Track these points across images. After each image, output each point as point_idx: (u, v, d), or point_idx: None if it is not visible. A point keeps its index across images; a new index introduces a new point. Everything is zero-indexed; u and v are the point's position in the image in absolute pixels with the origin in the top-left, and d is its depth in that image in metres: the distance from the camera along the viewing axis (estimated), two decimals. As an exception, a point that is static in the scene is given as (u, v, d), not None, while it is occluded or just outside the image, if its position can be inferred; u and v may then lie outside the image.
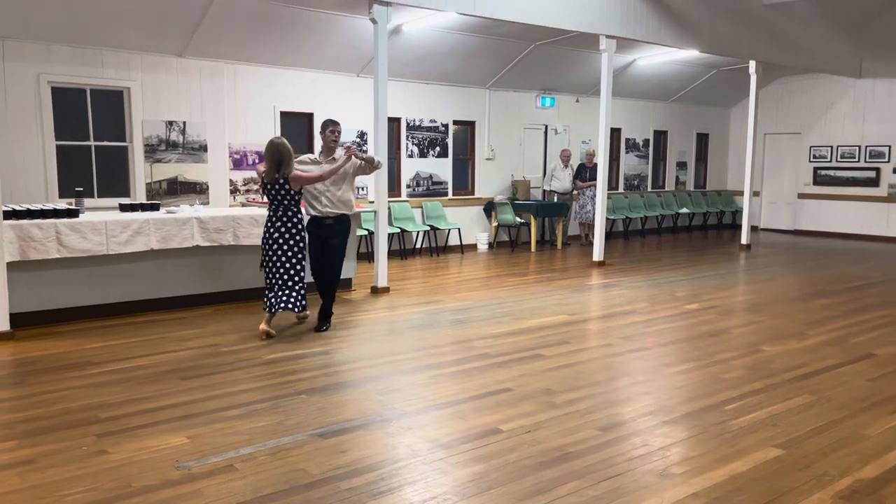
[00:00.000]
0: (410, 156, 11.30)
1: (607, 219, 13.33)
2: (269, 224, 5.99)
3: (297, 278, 6.00)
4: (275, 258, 5.95)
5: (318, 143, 10.01)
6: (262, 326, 6.02)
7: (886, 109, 14.13)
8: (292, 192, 5.93)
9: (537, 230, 12.43)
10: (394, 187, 11.06)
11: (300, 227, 6.00)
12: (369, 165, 6.44)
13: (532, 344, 5.95)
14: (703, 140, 16.23)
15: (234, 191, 9.51)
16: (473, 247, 12.08)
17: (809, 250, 12.80)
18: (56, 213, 6.37)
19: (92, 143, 8.50)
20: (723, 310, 7.48)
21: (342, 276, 6.86)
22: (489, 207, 12.21)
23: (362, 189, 10.40)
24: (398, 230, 10.81)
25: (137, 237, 6.58)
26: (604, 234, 10.65)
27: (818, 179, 15.11)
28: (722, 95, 15.61)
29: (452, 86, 11.54)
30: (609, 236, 13.64)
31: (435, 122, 11.50)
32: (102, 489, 3.27)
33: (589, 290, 8.61)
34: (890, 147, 14.11)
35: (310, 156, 6.60)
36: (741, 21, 11.63)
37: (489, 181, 12.36)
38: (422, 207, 11.41)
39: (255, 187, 9.66)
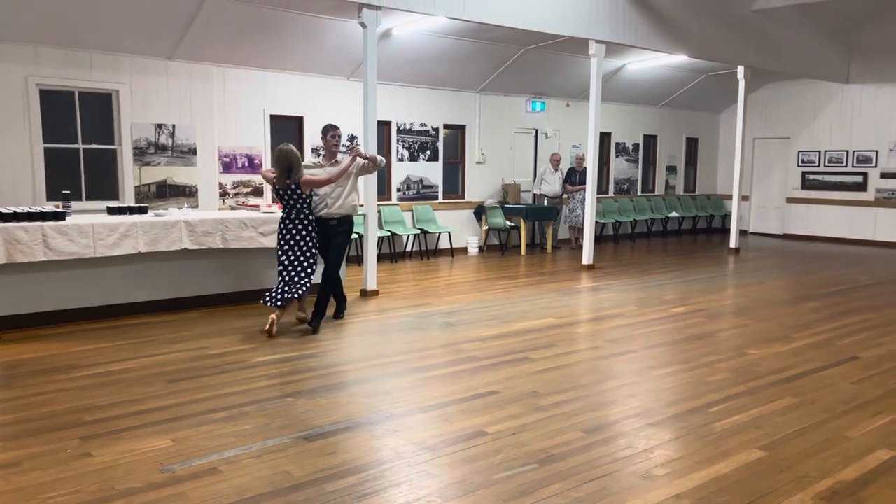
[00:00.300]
0: (401, 159, 11.31)
1: (597, 222, 13.40)
2: (283, 226, 6.34)
3: (307, 272, 6.32)
4: (291, 256, 6.30)
5: (308, 146, 10.10)
6: (299, 314, 6.58)
7: (873, 115, 14.26)
8: (304, 196, 6.27)
9: (527, 234, 12.46)
10: (384, 190, 11.08)
11: (313, 226, 6.37)
12: (373, 164, 6.73)
13: (520, 347, 5.97)
14: (692, 144, 16.33)
15: (224, 194, 9.50)
16: (464, 250, 12.10)
17: (797, 254, 12.88)
18: (43, 216, 6.35)
19: (80, 145, 8.48)
20: (710, 313, 7.52)
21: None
22: (479, 211, 12.24)
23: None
24: (388, 233, 10.83)
25: (125, 240, 6.57)
26: (593, 237, 10.70)
27: (806, 184, 15.23)
28: (711, 100, 15.72)
29: (443, 89, 11.58)
30: (599, 240, 13.70)
31: (425, 125, 11.53)
32: (86, 491, 3.26)
33: (578, 294, 8.65)
34: (877, 152, 14.24)
35: (313, 160, 6.84)
36: (729, 26, 11.73)
37: (479, 185, 12.39)
38: (412, 211, 11.43)
39: (245, 190, 9.66)
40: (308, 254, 6.33)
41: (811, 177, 15.14)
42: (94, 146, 8.59)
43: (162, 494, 3.24)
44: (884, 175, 14.17)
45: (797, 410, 4.48)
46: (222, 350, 5.72)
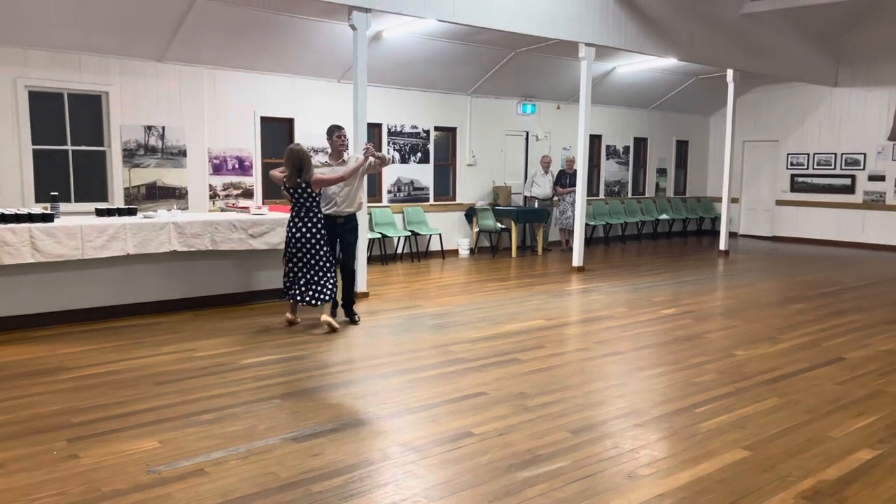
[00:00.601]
0: (392, 161, 11.32)
1: (588, 225, 13.45)
2: (292, 225, 6.48)
3: (326, 270, 6.50)
4: (301, 255, 6.45)
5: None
6: (288, 315, 6.67)
7: (862, 118, 14.37)
8: (315, 195, 6.43)
9: (518, 236, 12.49)
10: (375, 192, 11.08)
11: (322, 224, 6.51)
12: (381, 162, 6.93)
13: (509, 348, 5.99)
14: (682, 147, 16.40)
15: (214, 196, 9.49)
16: (454, 252, 12.11)
17: (786, 256, 12.96)
18: (31, 218, 6.32)
19: (69, 147, 8.46)
20: (698, 315, 7.56)
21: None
22: (470, 213, 12.26)
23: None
24: (379, 235, 10.83)
25: (113, 242, 6.55)
26: (583, 239, 10.74)
27: (795, 186, 15.32)
28: (701, 103, 15.80)
29: (434, 92, 11.60)
30: (589, 242, 13.75)
31: (416, 128, 11.54)
32: (72, 493, 3.26)
33: (568, 296, 8.67)
34: (865, 155, 14.34)
35: (319, 160, 6.98)
36: (718, 30, 11.80)
37: (470, 187, 12.41)
38: (403, 213, 11.44)
39: (235, 192, 9.65)
40: (319, 255, 6.45)
41: (800, 179, 15.24)
42: (83, 148, 8.56)
43: (148, 496, 3.24)
44: (872, 178, 14.28)
45: (782, 411, 4.51)
46: (210, 352, 5.71)
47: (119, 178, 8.73)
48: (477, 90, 12.01)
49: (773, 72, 13.32)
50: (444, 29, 9.42)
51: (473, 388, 4.87)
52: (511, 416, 4.32)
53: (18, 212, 6.39)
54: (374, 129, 10.80)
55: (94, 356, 5.55)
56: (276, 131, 10.04)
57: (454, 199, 12.26)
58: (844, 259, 12.64)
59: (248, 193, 9.78)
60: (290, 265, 6.56)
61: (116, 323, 6.66)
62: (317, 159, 6.95)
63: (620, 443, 3.94)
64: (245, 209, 8.20)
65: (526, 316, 7.35)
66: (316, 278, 6.49)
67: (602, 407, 4.57)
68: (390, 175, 11.33)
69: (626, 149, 15.05)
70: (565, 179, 12.83)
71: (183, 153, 9.17)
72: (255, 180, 9.84)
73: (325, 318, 6.50)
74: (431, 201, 11.89)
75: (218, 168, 9.51)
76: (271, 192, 10.04)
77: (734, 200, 15.14)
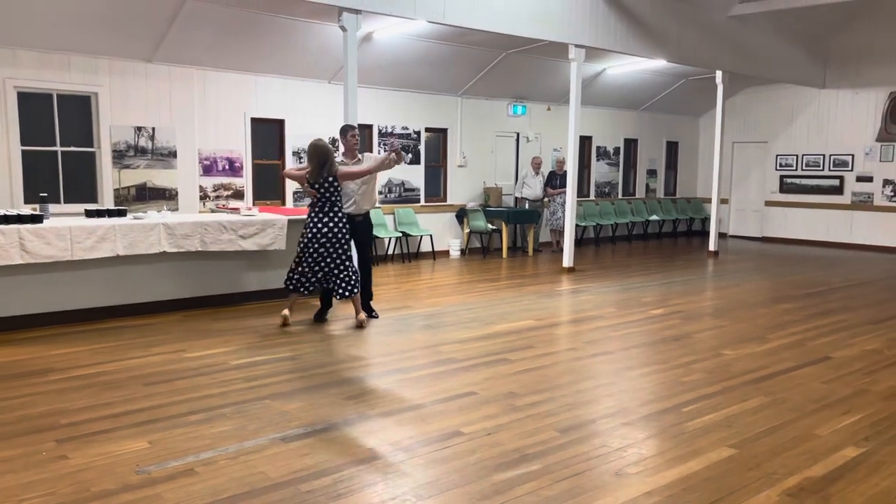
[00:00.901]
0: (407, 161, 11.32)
1: (578, 226, 13.50)
2: (315, 219, 6.50)
3: (348, 264, 6.60)
4: (323, 249, 6.48)
5: (289, 149, 10.12)
6: (284, 312, 6.64)
7: (849, 119, 14.48)
8: (339, 189, 6.54)
9: (509, 237, 12.53)
10: (365, 194, 11.08)
11: (345, 219, 6.60)
12: (397, 161, 6.97)
13: (499, 348, 6.02)
14: (672, 148, 16.49)
15: (204, 197, 9.48)
16: (445, 253, 12.14)
17: (775, 257, 13.05)
18: (20, 219, 6.30)
19: (58, 148, 8.43)
20: (687, 315, 7.61)
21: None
22: (461, 214, 12.29)
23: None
24: (370, 236, 10.83)
25: (103, 243, 6.54)
26: (573, 240, 10.78)
27: (784, 187, 15.43)
28: (691, 105, 15.89)
29: (424, 93, 11.62)
30: (580, 243, 13.81)
31: (407, 129, 11.56)
32: (61, 493, 3.26)
33: (558, 296, 8.71)
34: (853, 156, 14.45)
35: (336, 159, 6.94)
36: (707, 32, 11.88)
37: (461, 188, 12.44)
38: (394, 214, 11.45)
39: (226, 193, 9.64)
40: (340, 250, 6.51)
41: (789, 180, 15.35)
42: (72, 149, 8.54)
43: (137, 496, 3.24)
44: (860, 178, 14.39)
45: (768, 409, 4.56)
46: (200, 353, 5.71)
47: (109, 179, 8.71)
48: (467, 91, 12.04)
49: (761, 73, 13.42)
50: (434, 30, 9.44)
51: (463, 388, 4.89)
52: (500, 416, 4.34)
53: (7, 213, 6.37)
54: (364, 130, 10.80)
55: (84, 357, 5.54)
56: (267, 132, 10.04)
57: (445, 200, 12.29)
58: (832, 259, 12.74)
59: (238, 194, 9.77)
60: (303, 260, 6.54)
61: (106, 324, 6.64)
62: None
63: (608, 441, 3.97)
64: (235, 210, 8.19)
65: (516, 316, 7.38)
66: (344, 274, 6.56)
67: (590, 406, 4.60)
68: (381, 176, 11.32)
69: (617, 150, 15.11)
70: (556, 180, 12.88)
71: (173, 154, 9.15)
72: (245, 181, 9.83)
73: (285, 312, 6.62)
74: (422, 202, 11.91)
75: (208, 169, 9.50)
76: (261, 192, 10.05)
77: (724, 201, 15.23)
